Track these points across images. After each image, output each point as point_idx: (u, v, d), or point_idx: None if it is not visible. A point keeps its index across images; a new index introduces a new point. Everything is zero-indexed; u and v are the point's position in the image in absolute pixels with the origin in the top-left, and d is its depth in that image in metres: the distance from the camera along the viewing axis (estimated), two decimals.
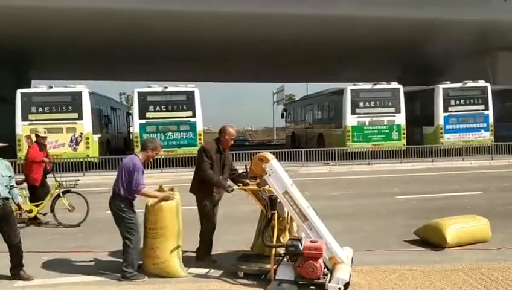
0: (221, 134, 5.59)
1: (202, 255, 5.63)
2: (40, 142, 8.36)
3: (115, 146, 21.05)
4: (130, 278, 4.99)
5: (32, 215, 7.82)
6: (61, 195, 8.00)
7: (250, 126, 76.82)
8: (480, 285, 4.62)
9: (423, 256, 5.75)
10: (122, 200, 5.12)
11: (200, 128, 17.01)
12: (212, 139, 5.77)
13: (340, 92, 18.79)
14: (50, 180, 8.44)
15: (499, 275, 4.85)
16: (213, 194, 5.48)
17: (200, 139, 16.86)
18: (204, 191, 5.47)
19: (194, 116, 16.88)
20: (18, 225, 5.42)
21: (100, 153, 16.74)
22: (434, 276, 4.90)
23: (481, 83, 18.79)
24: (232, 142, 5.67)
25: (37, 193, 8.12)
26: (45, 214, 8.07)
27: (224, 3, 18.86)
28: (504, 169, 15.45)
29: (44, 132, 8.41)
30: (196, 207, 5.64)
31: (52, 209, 8.02)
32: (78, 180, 8.36)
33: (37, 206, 7.92)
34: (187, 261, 5.47)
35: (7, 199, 5.04)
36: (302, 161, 17.03)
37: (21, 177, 8.22)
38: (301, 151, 17.39)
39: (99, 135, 17.47)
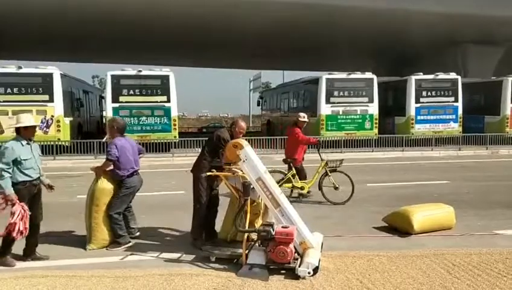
0: (232, 126, 5.73)
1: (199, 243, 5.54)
2: (301, 126, 8.74)
3: (87, 130, 20.67)
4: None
5: (305, 191, 8.44)
6: (329, 173, 8.32)
7: (226, 113, 76.70)
8: (443, 270, 4.81)
9: (391, 242, 5.93)
10: None
11: (174, 113, 16.80)
12: (224, 128, 5.95)
13: (315, 81, 18.91)
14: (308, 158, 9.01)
15: (461, 261, 5.06)
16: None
17: (174, 124, 16.67)
18: (202, 168, 5.53)
19: (168, 101, 16.62)
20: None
21: (72, 137, 16.40)
22: (400, 261, 5.07)
23: (452, 76, 19.27)
24: (241, 136, 5.75)
25: (300, 172, 8.61)
26: (309, 192, 8.55)
27: None
28: (470, 159, 15.97)
29: (304, 117, 8.83)
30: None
31: (320, 187, 8.33)
32: (343, 159, 8.68)
33: (306, 183, 8.45)
34: (166, 245, 5.48)
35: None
36: (276, 148, 17.13)
37: None
38: (276, 139, 17.49)
39: (71, 118, 17.09)
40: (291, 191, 8.47)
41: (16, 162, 4.85)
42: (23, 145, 4.94)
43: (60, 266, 5.02)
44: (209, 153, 5.62)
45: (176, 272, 4.73)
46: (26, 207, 4.85)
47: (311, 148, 9.45)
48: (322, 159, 8.60)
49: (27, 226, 4.82)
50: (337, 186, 8.30)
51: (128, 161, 5.70)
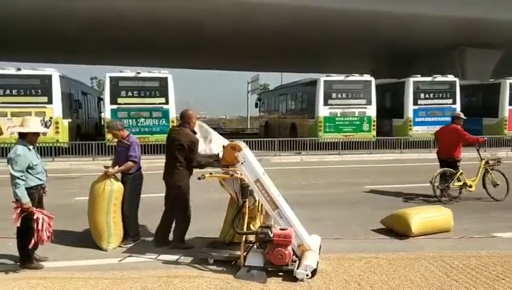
0: (191, 119, 5.63)
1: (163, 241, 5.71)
2: (459, 124, 8.98)
3: (86, 131, 20.65)
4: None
5: (472, 189, 8.69)
6: (490, 171, 8.77)
7: (224, 115, 76.63)
8: (441, 272, 4.82)
9: (389, 244, 5.93)
10: None
11: (172, 115, 16.76)
12: (183, 127, 5.61)
13: (314, 83, 18.93)
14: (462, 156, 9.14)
15: (459, 263, 5.07)
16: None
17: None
18: (182, 175, 5.55)
19: (167, 103, 16.65)
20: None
21: (70, 138, 16.39)
22: (398, 264, 5.08)
23: (450, 78, 19.32)
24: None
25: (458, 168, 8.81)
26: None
27: None
28: (468, 161, 15.92)
29: (462, 114, 9.22)
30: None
31: (484, 185, 8.79)
32: (500, 158, 9.15)
33: (473, 181, 8.75)
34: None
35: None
36: (274, 150, 17.14)
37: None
38: (274, 141, 17.51)
39: (70, 120, 17.08)
40: (460, 189, 8.65)
41: (29, 168, 4.81)
42: (30, 150, 4.89)
43: (58, 267, 5.02)
44: (184, 160, 5.50)
45: (174, 274, 4.73)
46: (46, 212, 4.86)
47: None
48: (481, 159, 8.94)
49: (51, 230, 4.85)
50: (498, 183, 8.63)
51: (140, 157, 5.92)
